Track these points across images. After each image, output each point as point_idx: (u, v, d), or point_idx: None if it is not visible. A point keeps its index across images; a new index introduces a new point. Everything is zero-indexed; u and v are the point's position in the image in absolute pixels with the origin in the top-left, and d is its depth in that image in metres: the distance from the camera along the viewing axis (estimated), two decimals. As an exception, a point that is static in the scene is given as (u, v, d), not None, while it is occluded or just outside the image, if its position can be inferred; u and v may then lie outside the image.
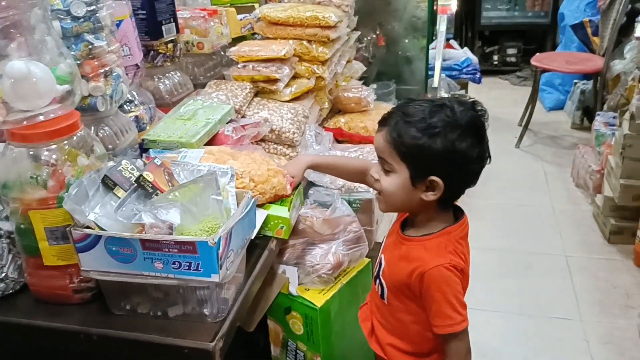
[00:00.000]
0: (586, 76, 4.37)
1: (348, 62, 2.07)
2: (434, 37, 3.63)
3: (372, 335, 1.30)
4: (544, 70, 4.22)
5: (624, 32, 3.75)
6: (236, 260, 1.00)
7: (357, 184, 1.62)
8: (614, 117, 3.42)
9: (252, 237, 1.12)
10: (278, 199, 1.26)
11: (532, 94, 4.29)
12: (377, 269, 1.26)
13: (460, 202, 1.21)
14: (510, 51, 5.77)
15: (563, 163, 3.84)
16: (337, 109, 1.95)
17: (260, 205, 1.25)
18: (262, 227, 1.22)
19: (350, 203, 1.57)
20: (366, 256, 1.54)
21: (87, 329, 0.99)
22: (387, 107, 2.01)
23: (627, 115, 2.84)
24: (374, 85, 2.55)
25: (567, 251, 2.88)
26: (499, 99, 5.09)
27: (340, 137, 1.85)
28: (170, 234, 0.94)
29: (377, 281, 1.24)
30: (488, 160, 1.14)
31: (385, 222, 1.77)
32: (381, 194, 1.17)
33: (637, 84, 2.74)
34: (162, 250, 0.92)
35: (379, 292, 1.23)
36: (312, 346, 1.43)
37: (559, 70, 4.17)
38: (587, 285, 2.61)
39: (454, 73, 4.33)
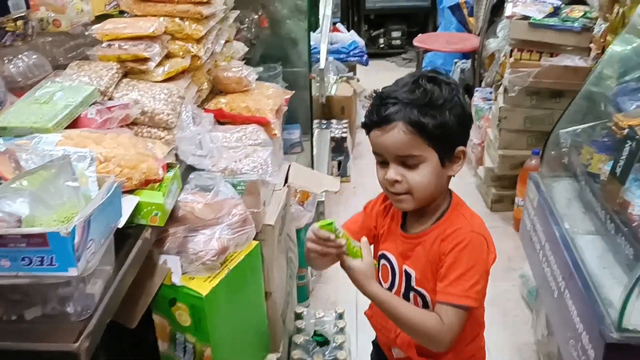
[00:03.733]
0: (465, 55, 4.59)
1: (227, 41, 1.99)
2: (319, 21, 3.62)
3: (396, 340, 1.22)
4: (427, 51, 4.37)
5: (496, 11, 3.96)
6: (99, 251, 0.91)
7: (240, 165, 1.56)
8: (490, 92, 3.62)
9: (121, 226, 1.03)
10: (149, 184, 1.17)
11: (417, 74, 4.44)
12: (403, 283, 1.17)
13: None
14: (395, 34, 5.95)
15: (448, 139, 4.01)
16: (217, 90, 1.87)
17: (132, 192, 1.16)
18: (134, 215, 1.14)
19: (234, 186, 1.50)
20: (254, 239, 1.50)
21: None
22: (269, 86, 1.97)
23: (501, 89, 3.01)
24: (260, 68, 2.49)
25: (454, 222, 3.01)
26: (387, 81, 4.99)
27: (222, 119, 1.77)
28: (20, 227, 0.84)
29: (412, 294, 1.16)
30: None
31: (274, 204, 1.72)
32: (410, 192, 1.08)
33: (508, 60, 2.90)
34: (6, 246, 0.81)
35: (420, 304, 1.15)
36: (201, 337, 1.36)
37: (439, 50, 4.34)
38: (473, 252, 2.74)
39: (341, 56, 4.35)
